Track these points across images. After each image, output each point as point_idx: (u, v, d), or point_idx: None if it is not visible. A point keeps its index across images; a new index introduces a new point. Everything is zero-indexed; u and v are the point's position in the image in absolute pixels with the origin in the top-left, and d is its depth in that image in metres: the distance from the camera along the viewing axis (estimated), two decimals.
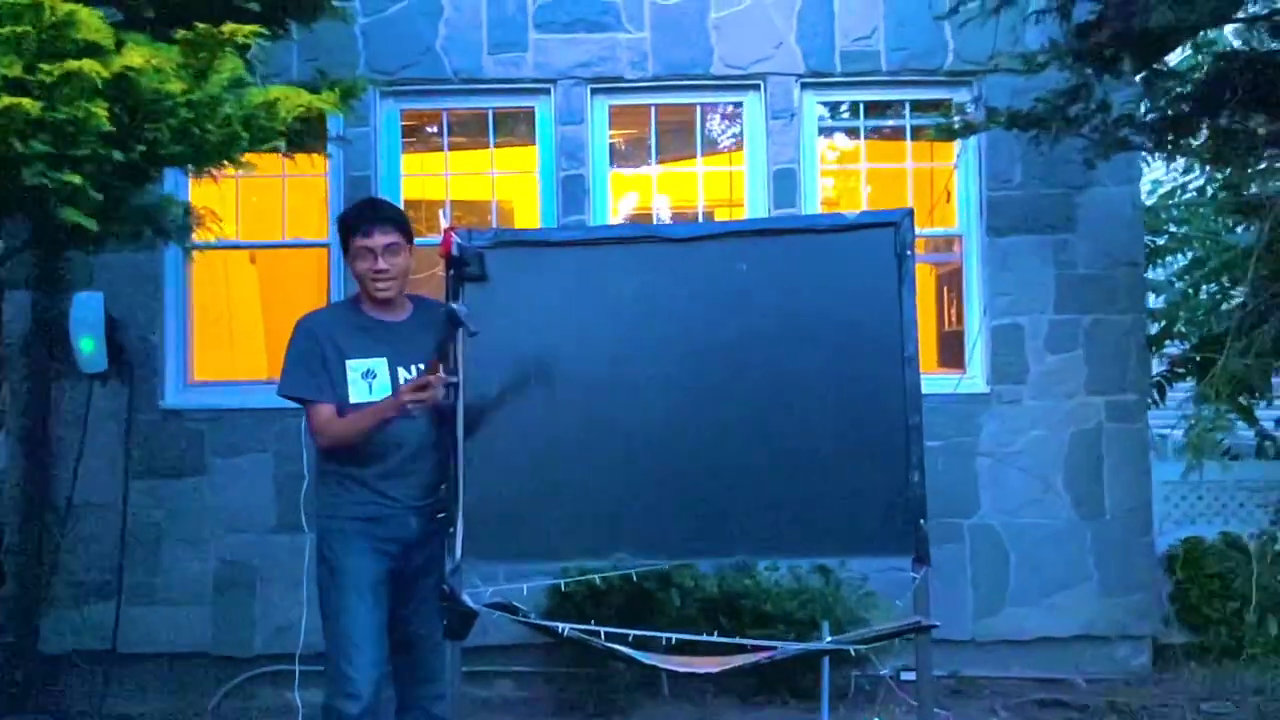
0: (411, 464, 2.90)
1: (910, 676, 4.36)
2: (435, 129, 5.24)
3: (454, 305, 2.66)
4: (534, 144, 4.93)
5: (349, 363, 2.88)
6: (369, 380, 2.84)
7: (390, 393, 2.86)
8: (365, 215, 2.95)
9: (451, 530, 2.78)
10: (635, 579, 3.57)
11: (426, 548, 2.92)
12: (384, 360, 2.90)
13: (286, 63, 4.43)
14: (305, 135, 3.96)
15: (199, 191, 4.54)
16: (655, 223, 5.53)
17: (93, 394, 4.58)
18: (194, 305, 4.89)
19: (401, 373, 2.90)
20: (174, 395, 4.77)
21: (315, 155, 4.62)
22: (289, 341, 2.95)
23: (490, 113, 4.96)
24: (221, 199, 4.49)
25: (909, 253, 2.82)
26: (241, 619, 4.64)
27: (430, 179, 5.27)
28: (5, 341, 4.35)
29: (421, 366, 2.91)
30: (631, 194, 6.01)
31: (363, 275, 2.92)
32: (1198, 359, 5.68)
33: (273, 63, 3.91)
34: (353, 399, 2.85)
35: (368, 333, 2.94)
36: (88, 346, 4.38)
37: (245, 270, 6.10)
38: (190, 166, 2.84)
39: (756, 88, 4.87)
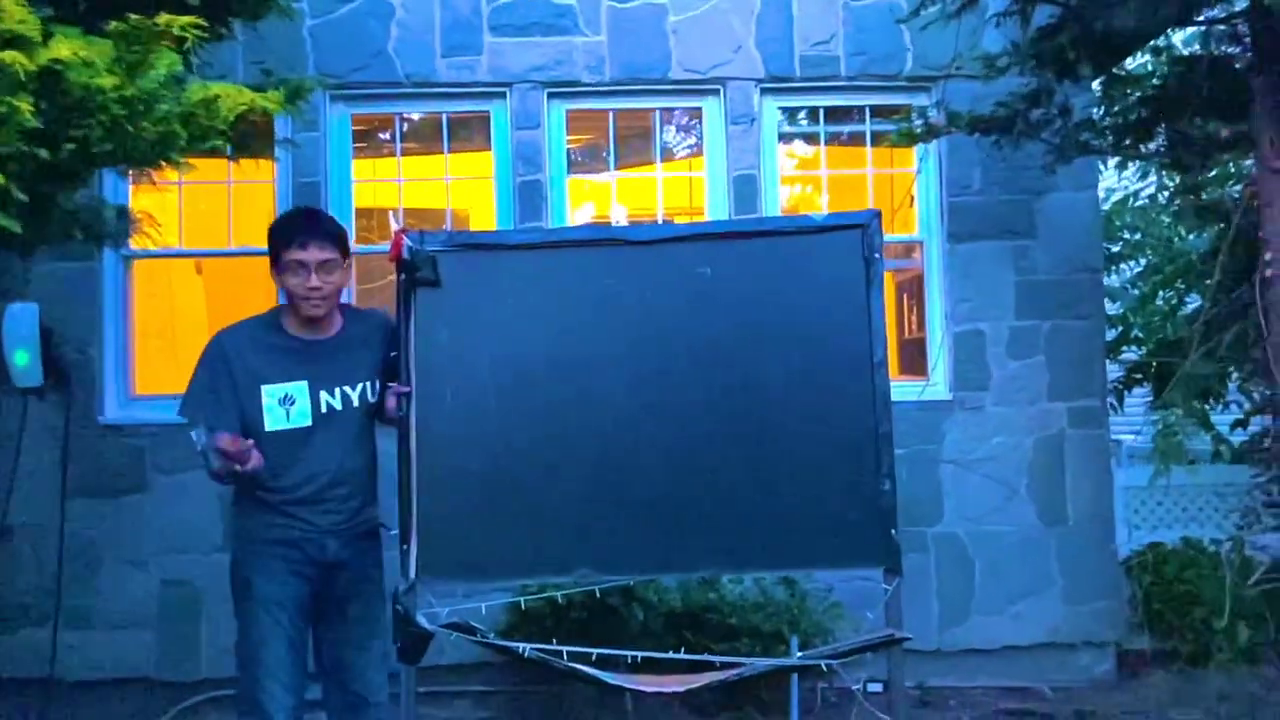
0: (330, 490, 2.76)
1: (876, 688, 4.30)
2: (387, 134, 5.11)
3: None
4: (489, 149, 4.82)
5: (265, 388, 2.71)
6: (286, 406, 2.69)
7: (310, 419, 2.72)
8: (301, 226, 2.75)
9: (405, 548, 2.67)
10: (598, 594, 3.47)
11: (349, 570, 2.79)
12: (304, 384, 2.74)
13: (231, 64, 4.30)
14: (251, 138, 3.83)
15: (141, 198, 4.38)
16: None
17: (27, 409, 4.37)
18: (135, 316, 4.71)
19: (324, 396, 2.74)
20: (114, 410, 4.59)
21: (262, 160, 4.48)
22: (199, 358, 2.77)
23: (444, 117, 4.84)
24: (164, 206, 4.32)
25: (877, 255, 2.77)
26: (186, 642, 4.46)
27: (382, 185, 5.12)
28: None
29: (347, 389, 2.77)
30: (590, 201, 5.92)
31: (293, 290, 2.72)
32: (1154, 365, 5.71)
33: (217, 65, 3.78)
34: (269, 426, 2.69)
35: (288, 353, 2.76)
36: (22, 360, 4.19)
37: (191, 280, 5.92)
38: (125, 167, 2.69)
39: (716, 92, 4.81)
